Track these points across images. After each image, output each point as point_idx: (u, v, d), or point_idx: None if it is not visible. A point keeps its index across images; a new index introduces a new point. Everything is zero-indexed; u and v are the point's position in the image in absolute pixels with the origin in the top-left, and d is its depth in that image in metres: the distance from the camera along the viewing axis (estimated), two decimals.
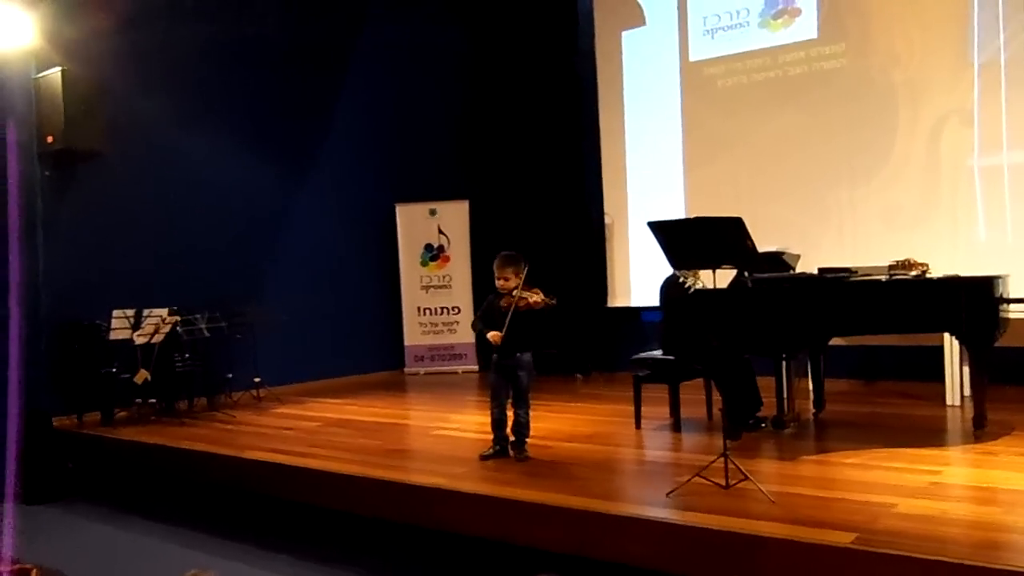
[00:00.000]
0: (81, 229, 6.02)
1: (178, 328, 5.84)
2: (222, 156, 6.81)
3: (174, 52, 6.44)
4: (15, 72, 5.56)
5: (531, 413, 4.19)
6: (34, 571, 3.32)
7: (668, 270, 4.67)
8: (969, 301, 4.17)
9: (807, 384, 5.07)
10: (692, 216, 4.34)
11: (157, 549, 4.21)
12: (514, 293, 3.96)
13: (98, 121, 5.86)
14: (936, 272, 4.45)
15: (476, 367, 7.91)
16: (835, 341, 4.99)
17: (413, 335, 8.12)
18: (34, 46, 5.60)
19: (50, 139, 5.75)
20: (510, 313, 3.92)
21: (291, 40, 7.30)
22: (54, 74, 5.71)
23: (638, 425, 4.84)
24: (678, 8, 7.02)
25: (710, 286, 4.11)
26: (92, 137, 5.85)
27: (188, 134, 6.59)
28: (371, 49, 8.00)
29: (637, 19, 7.30)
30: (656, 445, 4.56)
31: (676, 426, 4.78)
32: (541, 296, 3.95)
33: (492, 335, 3.98)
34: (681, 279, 4.55)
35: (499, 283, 4.08)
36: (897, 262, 4.47)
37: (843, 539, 2.73)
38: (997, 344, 4.28)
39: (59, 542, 4.44)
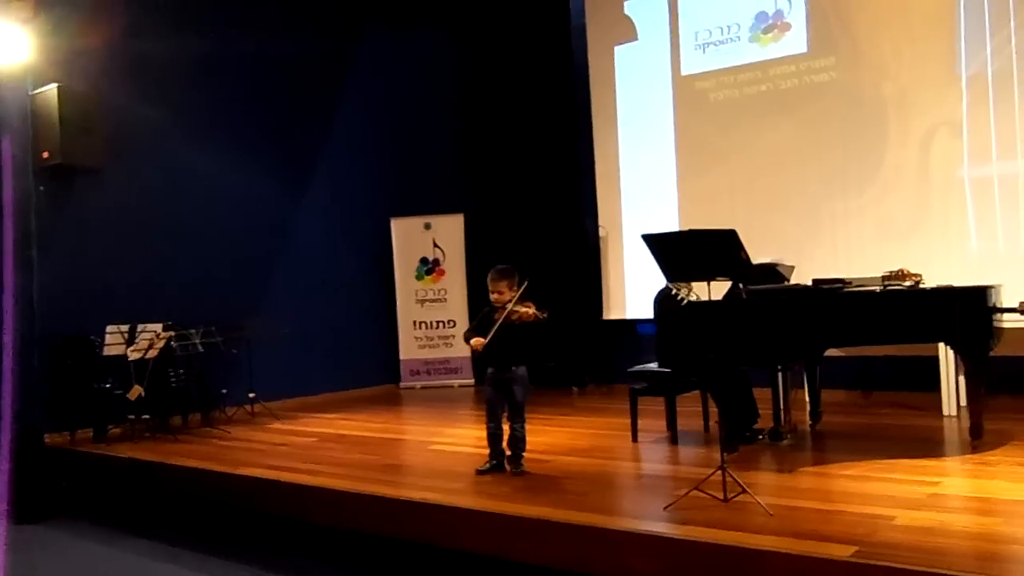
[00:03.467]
0: (76, 244, 6.01)
1: (172, 343, 5.81)
2: (217, 172, 6.81)
3: (170, 67, 6.47)
4: (11, 88, 5.56)
5: (527, 427, 4.17)
6: None
7: (663, 282, 4.68)
8: (963, 311, 4.18)
9: (803, 395, 5.07)
10: (686, 228, 4.35)
11: (151, 568, 4.17)
12: (507, 306, 3.96)
13: (94, 137, 5.87)
14: (929, 282, 4.47)
15: (472, 381, 7.89)
16: (831, 352, 5.00)
17: (409, 349, 8.10)
18: (30, 62, 5.61)
19: (46, 155, 5.75)
20: (497, 325, 3.93)
21: (288, 55, 7.33)
22: (50, 90, 5.73)
23: (635, 438, 4.83)
24: (669, 23, 7.09)
25: (703, 298, 4.12)
26: (88, 153, 5.86)
27: (184, 150, 6.60)
28: (368, 64, 8.04)
29: (629, 34, 7.36)
30: (653, 458, 4.55)
31: (673, 439, 4.76)
32: (533, 309, 3.96)
33: (474, 341, 3.98)
34: (674, 291, 4.56)
35: (493, 297, 4.08)
36: (891, 272, 4.48)
37: (843, 552, 2.72)
38: (992, 354, 4.30)
39: (52, 561, 4.39)
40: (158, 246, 6.46)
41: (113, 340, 5.67)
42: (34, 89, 5.76)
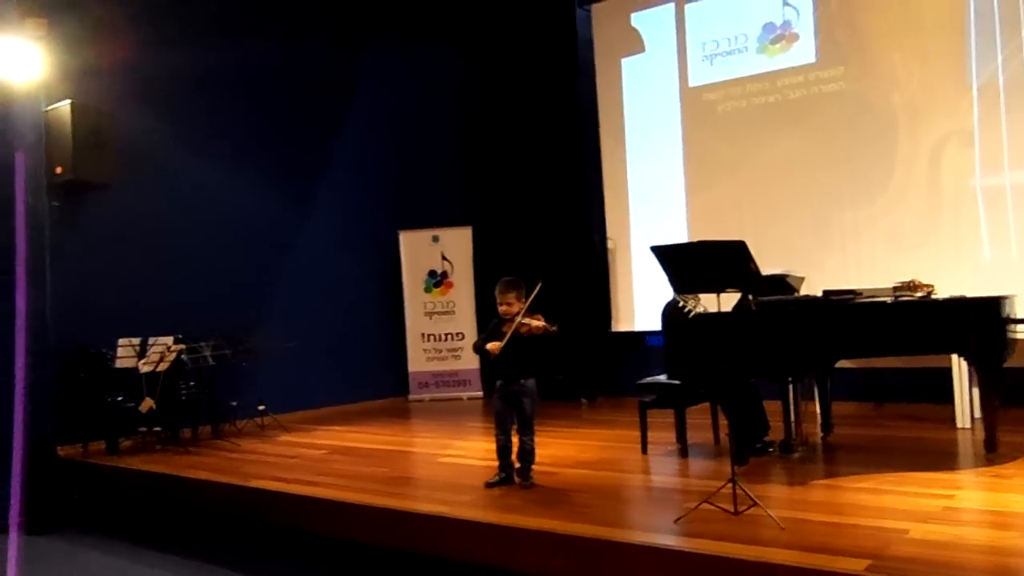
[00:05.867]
0: (88, 258, 6.06)
1: (183, 356, 5.84)
2: (227, 186, 6.87)
3: (180, 83, 6.54)
4: (25, 104, 5.63)
5: (536, 439, 4.17)
6: None
7: (671, 294, 4.66)
8: (977, 322, 4.15)
9: (814, 407, 5.03)
10: (695, 240, 4.35)
11: None
12: (516, 318, 3.97)
13: (106, 152, 5.94)
14: (941, 293, 4.44)
15: (480, 393, 7.88)
16: (842, 364, 4.96)
17: (417, 361, 8.11)
18: (43, 78, 5.68)
19: (59, 170, 5.82)
20: (508, 336, 3.93)
21: (296, 69, 7.40)
22: (63, 106, 5.80)
23: (644, 450, 4.80)
24: (677, 34, 7.11)
25: (710, 310, 4.10)
26: (100, 168, 5.92)
27: (193, 165, 6.66)
28: (374, 77, 8.10)
29: (637, 46, 7.38)
30: (663, 471, 4.52)
31: (683, 451, 4.74)
32: (542, 322, 3.96)
33: (491, 345, 3.99)
34: (681, 303, 4.55)
35: (501, 308, 4.08)
36: (902, 283, 4.46)
37: (856, 566, 2.69)
38: (1006, 365, 4.25)
39: (63, 572, 4.40)
40: (169, 260, 6.51)
41: (125, 353, 5.71)
42: (47, 105, 5.84)
